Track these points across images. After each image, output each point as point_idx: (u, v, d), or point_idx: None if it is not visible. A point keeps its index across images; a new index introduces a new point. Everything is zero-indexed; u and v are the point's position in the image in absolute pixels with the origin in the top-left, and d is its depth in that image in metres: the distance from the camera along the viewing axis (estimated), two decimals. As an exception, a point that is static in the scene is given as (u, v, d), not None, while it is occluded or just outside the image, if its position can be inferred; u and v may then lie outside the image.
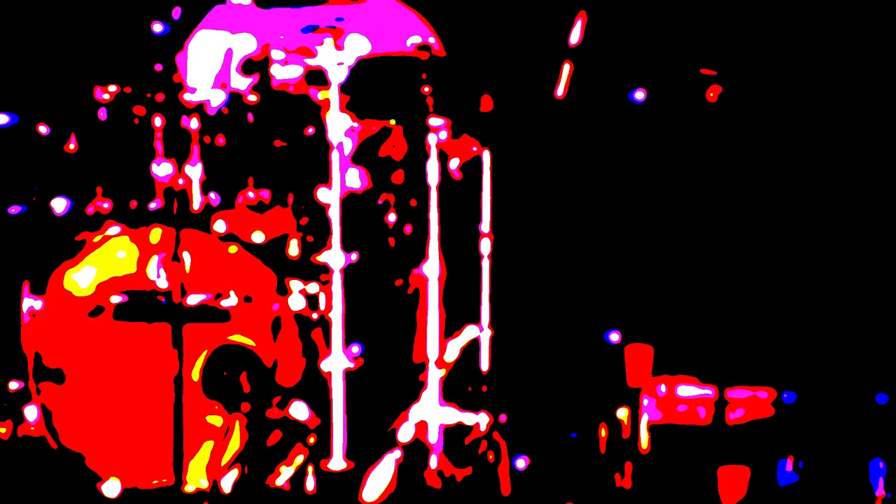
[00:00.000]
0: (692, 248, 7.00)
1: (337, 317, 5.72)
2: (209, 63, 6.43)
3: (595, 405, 6.49)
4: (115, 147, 6.05)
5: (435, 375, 5.91)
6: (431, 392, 5.91)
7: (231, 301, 5.81)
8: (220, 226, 5.92)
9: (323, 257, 5.79)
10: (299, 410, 5.84)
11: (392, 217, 6.17)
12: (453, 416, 5.92)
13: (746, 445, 6.22)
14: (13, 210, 5.96)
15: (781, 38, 6.90)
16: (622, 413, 6.09)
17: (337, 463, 5.70)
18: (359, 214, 6.10)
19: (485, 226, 6.12)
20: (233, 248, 5.88)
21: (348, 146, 5.99)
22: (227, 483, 5.77)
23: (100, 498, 5.78)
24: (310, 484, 5.76)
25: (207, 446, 5.79)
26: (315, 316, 5.89)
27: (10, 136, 6.02)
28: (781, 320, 6.86)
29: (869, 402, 6.34)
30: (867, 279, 6.81)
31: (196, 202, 5.96)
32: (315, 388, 5.83)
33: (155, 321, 5.80)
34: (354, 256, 5.91)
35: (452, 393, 6.00)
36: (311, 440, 5.82)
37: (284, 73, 6.03)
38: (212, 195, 6.00)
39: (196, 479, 5.78)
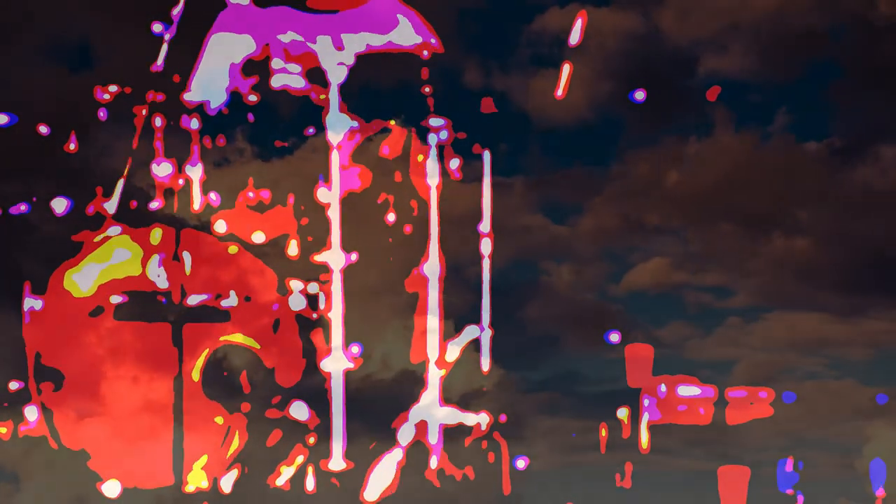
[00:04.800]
0: (691, 246, 7.01)
1: (337, 317, 5.72)
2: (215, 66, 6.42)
3: (595, 405, 6.50)
4: (115, 147, 6.06)
5: (435, 375, 5.91)
6: (431, 392, 5.90)
7: (231, 301, 5.81)
8: (220, 226, 5.91)
9: (323, 257, 5.78)
10: (299, 410, 5.83)
11: (392, 217, 6.17)
12: (453, 416, 5.92)
13: (746, 445, 6.23)
14: (13, 210, 5.96)
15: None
16: (622, 413, 6.09)
17: (337, 463, 5.70)
18: (359, 214, 6.11)
19: (485, 226, 6.11)
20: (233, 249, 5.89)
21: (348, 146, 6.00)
22: (226, 483, 5.77)
23: (100, 498, 5.78)
24: (310, 484, 5.76)
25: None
26: (315, 316, 5.89)
27: (11, 136, 6.01)
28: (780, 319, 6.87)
29: (869, 402, 6.35)
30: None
31: (196, 202, 5.95)
32: (315, 388, 5.83)
33: (155, 321, 5.80)
34: (354, 256, 5.91)
35: (452, 393, 6.01)
36: (311, 440, 5.82)
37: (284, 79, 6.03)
38: (212, 195, 6.00)
39: (197, 479, 5.78)
